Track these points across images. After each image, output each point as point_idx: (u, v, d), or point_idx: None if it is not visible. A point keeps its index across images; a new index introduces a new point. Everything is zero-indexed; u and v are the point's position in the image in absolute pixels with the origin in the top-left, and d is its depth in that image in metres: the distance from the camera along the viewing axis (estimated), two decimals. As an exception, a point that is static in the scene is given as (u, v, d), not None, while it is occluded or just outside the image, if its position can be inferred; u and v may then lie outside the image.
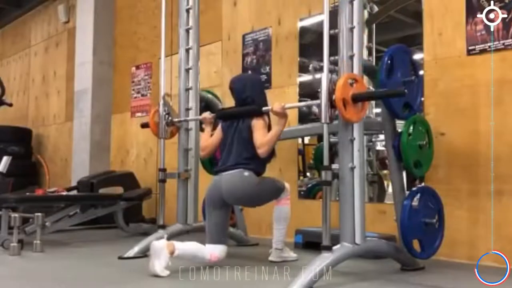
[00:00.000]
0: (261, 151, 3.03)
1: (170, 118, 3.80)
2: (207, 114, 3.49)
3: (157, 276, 2.76)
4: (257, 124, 3.09)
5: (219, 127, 3.33)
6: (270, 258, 3.35)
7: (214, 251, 3.01)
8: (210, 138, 3.37)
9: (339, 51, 2.81)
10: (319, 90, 2.66)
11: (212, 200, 3.13)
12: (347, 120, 2.66)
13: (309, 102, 2.81)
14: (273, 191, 3.26)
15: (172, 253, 2.82)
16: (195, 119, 3.82)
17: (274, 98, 4.42)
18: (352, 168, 2.73)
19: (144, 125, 4.03)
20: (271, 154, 3.19)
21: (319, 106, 2.66)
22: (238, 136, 3.14)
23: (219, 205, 3.11)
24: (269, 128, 3.14)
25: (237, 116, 3.20)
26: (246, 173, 3.07)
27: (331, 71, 2.67)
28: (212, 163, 4.05)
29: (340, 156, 2.77)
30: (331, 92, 2.61)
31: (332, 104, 2.61)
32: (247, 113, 3.15)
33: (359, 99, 2.65)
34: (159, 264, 2.77)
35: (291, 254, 3.42)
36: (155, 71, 6.02)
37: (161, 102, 3.79)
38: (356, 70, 2.76)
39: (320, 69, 2.65)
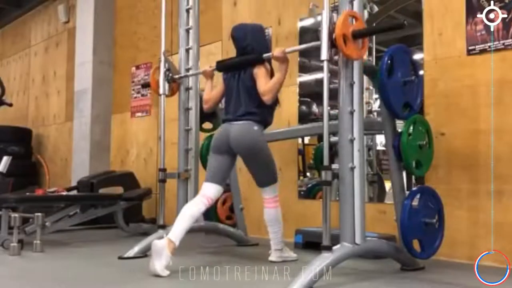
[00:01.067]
0: (266, 97, 3.05)
1: (170, 74, 3.80)
2: (207, 67, 3.50)
3: (157, 275, 2.76)
4: (259, 72, 3.09)
5: (221, 80, 3.33)
6: (270, 259, 3.34)
7: (209, 190, 3.08)
8: (212, 91, 3.38)
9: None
10: (319, 28, 2.65)
11: (217, 146, 3.20)
12: (348, 56, 2.66)
13: (311, 43, 2.75)
14: (272, 167, 3.27)
15: (173, 252, 2.81)
16: (195, 73, 3.81)
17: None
18: (352, 168, 2.73)
19: (146, 85, 4.03)
20: (275, 102, 3.20)
21: (320, 47, 2.64)
22: (242, 86, 3.15)
23: (224, 151, 3.17)
24: (272, 75, 3.14)
25: (238, 66, 3.19)
26: (256, 127, 3.11)
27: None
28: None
29: (340, 156, 2.77)
30: (331, 31, 2.61)
31: (332, 43, 2.61)
32: (248, 62, 3.14)
33: (359, 35, 2.65)
34: (159, 263, 2.77)
35: (291, 254, 3.42)
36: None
37: (162, 58, 3.78)
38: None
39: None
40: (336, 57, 2.71)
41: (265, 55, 3.12)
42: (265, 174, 3.25)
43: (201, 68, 3.77)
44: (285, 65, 3.03)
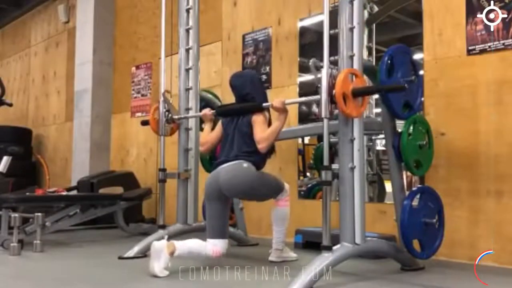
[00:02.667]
0: (261, 146, 3.03)
1: (170, 115, 3.80)
2: (207, 111, 3.50)
3: (156, 276, 2.76)
4: (258, 120, 3.09)
5: (219, 124, 3.33)
6: (270, 258, 3.35)
7: (216, 246, 3.00)
8: (210, 134, 3.38)
9: (339, 51, 2.80)
10: (319, 85, 2.66)
11: (210, 193, 3.11)
12: (347, 115, 2.66)
13: (310, 97, 2.80)
14: (273, 186, 3.24)
15: (172, 253, 2.82)
16: (195, 116, 3.82)
17: (274, 98, 4.42)
18: (352, 168, 2.73)
19: (145, 123, 4.03)
20: (271, 150, 3.20)
21: (319, 101, 2.65)
22: (239, 132, 3.14)
23: (217, 197, 3.09)
24: (269, 123, 3.14)
25: (237, 112, 3.20)
26: (245, 165, 3.06)
27: (331, 67, 2.67)
28: (212, 163, 4.05)
29: (340, 156, 2.77)
30: (331, 87, 2.61)
31: (332, 100, 2.61)
32: (248, 109, 3.14)
33: (359, 93, 2.65)
34: (158, 265, 2.77)
35: (291, 254, 3.42)
36: (155, 71, 6.02)
37: (161, 99, 3.79)
38: (356, 67, 2.76)
39: (321, 67, 2.64)
40: (335, 121, 2.71)
41: (265, 104, 3.13)
42: (270, 195, 3.25)
43: (201, 68, 3.77)
44: (284, 115, 3.04)
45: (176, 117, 3.81)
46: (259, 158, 3.14)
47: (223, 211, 3.11)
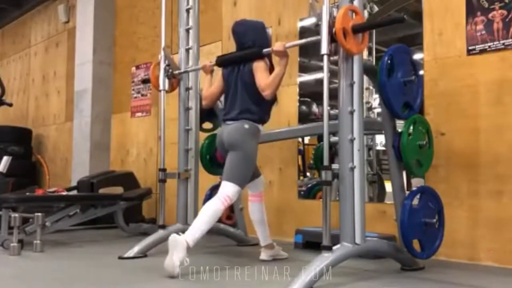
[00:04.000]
0: (266, 93, 3.03)
1: (170, 70, 3.80)
2: (207, 62, 3.50)
3: (170, 270, 2.72)
4: (258, 67, 3.07)
5: (220, 75, 3.32)
6: (261, 257, 3.37)
7: (225, 188, 3.00)
8: (211, 87, 3.37)
9: (339, 50, 2.79)
10: (319, 23, 2.65)
11: (221, 149, 3.22)
12: (348, 50, 2.65)
13: (311, 38, 2.74)
14: (243, 167, 3.09)
15: (189, 248, 2.80)
16: (195, 69, 3.81)
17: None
18: (352, 168, 2.73)
19: (146, 80, 4.03)
20: (273, 99, 3.18)
21: (319, 41, 2.63)
22: (241, 82, 3.13)
23: (226, 152, 3.16)
24: (271, 70, 3.13)
25: (237, 61, 3.18)
26: (247, 126, 3.09)
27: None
28: (212, 163, 4.05)
29: (340, 156, 2.77)
30: (331, 25, 2.60)
31: (332, 38, 2.60)
32: (248, 57, 3.12)
33: (359, 29, 2.65)
34: (177, 256, 2.73)
35: (282, 253, 3.45)
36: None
37: (162, 53, 3.79)
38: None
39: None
40: (336, 57, 2.70)
41: (265, 50, 3.11)
42: (231, 169, 3.09)
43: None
44: (285, 60, 3.02)
45: (176, 72, 3.81)
46: (263, 109, 3.16)
47: (238, 160, 3.07)
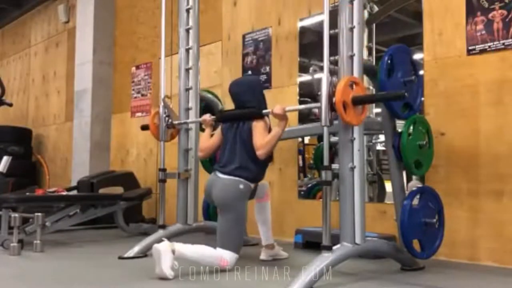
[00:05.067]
0: (260, 152, 3.03)
1: (170, 120, 3.81)
2: (207, 116, 3.50)
3: (165, 278, 2.72)
4: (258, 126, 3.09)
5: (219, 129, 3.33)
6: (261, 257, 3.38)
7: (222, 256, 2.97)
8: (209, 139, 3.38)
9: (339, 51, 2.80)
10: (319, 93, 2.66)
11: (208, 199, 3.20)
12: (348, 123, 2.66)
13: (310, 105, 2.79)
14: (234, 232, 3.03)
15: (173, 252, 2.80)
16: (195, 121, 3.83)
17: (274, 98, 4.43)
18: (352, 168, 2.73)
19: (144, 127, 4.04)
20: (269, 158, 3.19)
21: (319, 109, 2.65)
22: (239, 138, 3.14)
23: (217, 207, 3.15)
24: (269, 130, 3.14)
25: (237, 118, 3.20)
26: (241, 186, 3.06)
27: (331, 72, 2.66)
28: (212, 163, 4.05)
29: (340, 156, 2.77)
30: (331, 95, 2.61)
31: (332, 107, 2.61)
32: (248, 116, 3.15)
33: (359, 102, 2.65)
34: (165, 265, 2.73)
35: (282, 253, 3.45)
36: (155, 71, 6.02)
37: (161, 104, 3.80)
38: (356, 70, 2.76)
39: (320, 69, 2.63)
40: (335, 121, 2.70)
41: (264, 111, 3.12)
42: (225, 236, 3.02)
43: (201, 68, 3.78)
44: (284, 122, 3.04)
45: (176, 122, 3.82)
46: (259, 168, 3.15)
47: (230, 225, 3.03)
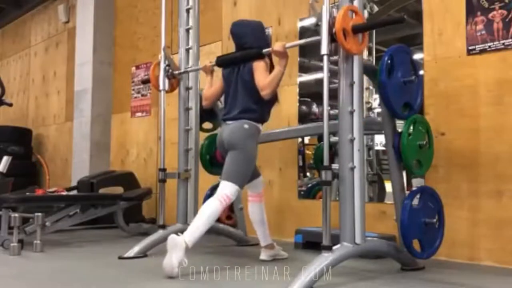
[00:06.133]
0: (264, 92, 3.03)
1: (170, 70, 3.80)
2: (207, 63, 3.50)
3: (169, 270, 2.72)
4: (258, 66, 3.08)
5: (219, 75, 3.32)
6: (261, 257, 3.37)
7: (224, 189, 2.98)
8: (212, 87, 3.38)
9: (339, 50, 2.79)
10: (319, 23, 2.65)
11: (221, 149, 3.23)
12: (348, 50, 2.65)
13: (311, 38, 2.73)
14: (243, 167, 3.08)
15: (187, 248, 2.80)
16: (195, 69, 3.81)
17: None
18: (352, 168, 2.73)
19: (145, 81, 4.03)
20: (274, 99, 3.19)
21: (320, 41, 2.63)
22: (241, 81, 3.13)
23: (226, 153, 3.16)
24: (271, 70, 3.13)
25: (237, 61, 3.18)
26: (247, 126, 3.08)
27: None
28: (212, 163, 4.05)
29: (340, 156, 2.77)
30: (331, 25, 2.61)
31: (332, 38, 2.60)
32: (248, 57, 3.12)
33: (359, 29, 2.65)
34: (176, 256, 2.73)
35: (282, 252, 3.46)
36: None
37: (162, 54, 3.79)
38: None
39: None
40: (336, 57, 2.70)
41: (265, 50, 3.11)
42: (230, 168, 3.07)
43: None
44: (285, 60, 3.02)
45: (176, 72, 3.81)
46: (263, 109, 3.16)
47: (237, 160, 3.06)
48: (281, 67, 3.02)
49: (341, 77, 2.77)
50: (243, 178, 3.10)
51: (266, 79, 3.03)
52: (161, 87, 3.80)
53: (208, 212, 2.96)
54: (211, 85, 3.40)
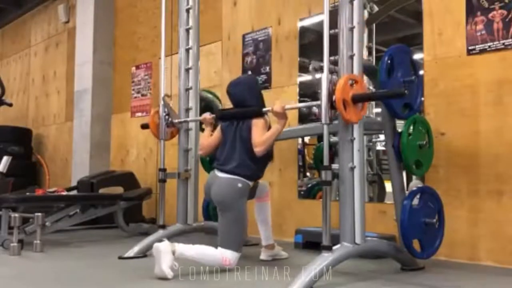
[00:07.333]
0: (258, 149, 3.03)
1: (170, 119, 3.81)
2: (207, 115, 3.51)
3: (164, 278, 2.72)
4: (257, 124, 3.09)
5: (218, 127, 3.34)
6: (261, 257, 3.38)
7: (224, 255, 2.96)
8: (209, 138, 3.38)
9: (339, 51, 2.80)
10: (319, 91, 2.66)
11: (208, 197, 3.20)
12: (347, 121, 2.66)
13: (310, 103, 2.80)
14: (235, 230, 3.01)
15: (173, 252, 2.80)
16: (195, 120, 3.83)
17: (274, 98, 4.43)
18: (352, 168, 2.73)
19: (144, 126, 4.04)
20: (269, 157, 3.20)
21: (319, 107, 2.66)
22: (239, 137, 3.14)
23: (216, 206, 3.15)
24: (269, 129, 3.14)
25: (237, 116, 3.20)
26: (240, 185, 3.05)
27: (331, 72, 2.67)
28: (212, 163, 4.05)
29: (340, 156, 2.77)
30: (331, 93, 2.61)
31: (332, 105, 2.61)
32: (248, 114, 3.15)
33: (359, 100, 2.65)
34: (165, 265, 2.73)
35: (282, 253, 3.46)
36: (155, 71, 6.02)
37: (161, 103, 3.80)
38: (356, 70, 2.76)
39: (320, 69, 2.64)
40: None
41: (264, 109, 3.13)
42: (226, 235, 3.01)
43: (201, 68, 3.78)
44: (284, 121, 3.04)
45: (176, 121, 3.82)
46: (258, 166, 3.15)
47: (231, 224, 3.02)
48: (279, 126, 3.04)
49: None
50: (240, 241, 3.06)
51: (262, 137, 3.04)
52: (161, 137, 3.82)
53: (211, 252, 2.95)
54: (209, 135, 3.41)
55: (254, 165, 3.11)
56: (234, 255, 2.98)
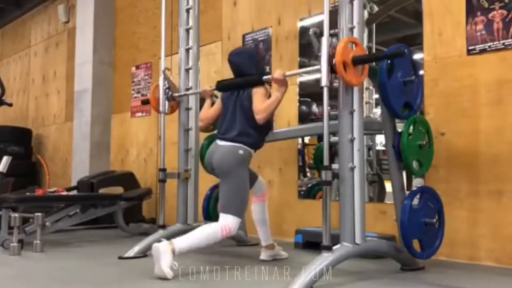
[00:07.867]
0: (259, 116, 3.03)
1: (170, 92, 3.81)
2: (207, 87, 3.52)
3: (164, 278, 2.72)
4: (258, 92, 3.09)
5: (219, 99, 3.34)
6: (261, 257, 3.38)
7: (226, 221, 2.95)
8: (209, 109, 3.39)
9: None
10: (319, 54, 2.65)
11: (209, 168, 3.21)
12: (348, 82, 2.66)
13: (311, 68, 2.74)
14: (238, 196, 3.03)
15: (173, 251, 2.80)
16: (195, 92, 3.82)
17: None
18: (352, 168, 2.73)
19: (145, 101, 4.04)
20: (269, 126, 3.19)
21: (319, 70, 2.64)
22: (239, 106, 3.14)
23: (211, 171, 3.17)
24: (269, 97, 3.14)
25: (237, 86, 3.19)
26: (241, 151, 3.06)
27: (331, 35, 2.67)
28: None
29: (340, 156, 2.77)
30: (331, 56, 2.61)
31: (332, 69, 2.61)
32: (248, 83, 3.14)
33: (359, 61, 2.65)
34: (164, 264, 2.73)
35: (282, 253, 3.46)
36: (155, 71, 6.02)
37: (162, 76, 3.79)
38: (356, 33, 2.77)
39: (321, 34, 2.62)
40: (335, 84, 2.70)
41: (265, 77, 3.14)
42: (227, 201, 3.03)
43: (201, 68, 3.78)
44: (284, 88, 3.04)
45: (176, 94, 3.81)
46: (259, 137, 3.16)
47: (233, 190, 3.03)
48: (279, 94, 3.04)
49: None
50: (242, 208, 3.07)
51: (263, 104, 3.04)
52: (161, 110, 3.81)
53: (206, 231, 2.94)
54: (209, 108, 3.41)
55: (255, 133, 3.11)
56: (236, 220, 2.97)
